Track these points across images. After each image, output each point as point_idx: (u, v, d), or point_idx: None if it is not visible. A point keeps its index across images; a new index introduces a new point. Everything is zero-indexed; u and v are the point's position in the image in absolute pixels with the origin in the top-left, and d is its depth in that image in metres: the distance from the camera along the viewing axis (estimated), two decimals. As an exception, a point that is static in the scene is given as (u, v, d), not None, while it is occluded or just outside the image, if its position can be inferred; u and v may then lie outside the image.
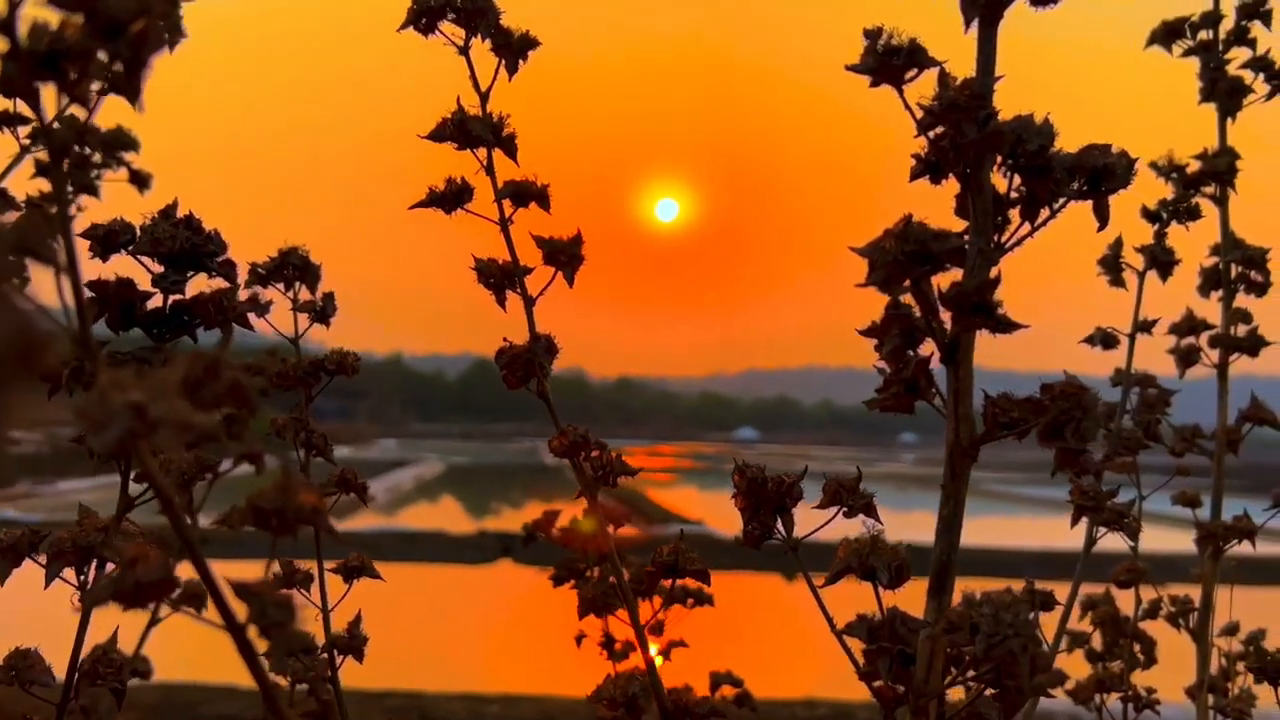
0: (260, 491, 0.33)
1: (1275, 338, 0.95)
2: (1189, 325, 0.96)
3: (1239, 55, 0.97)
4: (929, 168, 0.49)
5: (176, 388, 0.30)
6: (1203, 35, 0.96)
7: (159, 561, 0.31)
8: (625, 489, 0.57)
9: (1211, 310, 0.98)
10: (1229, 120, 0.96)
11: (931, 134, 0.48)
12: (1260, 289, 0.95)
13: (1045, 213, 0.49)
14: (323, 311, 0.77)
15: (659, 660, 1.33)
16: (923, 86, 0.49)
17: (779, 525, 0.57)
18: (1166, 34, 0.96)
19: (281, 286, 0.80)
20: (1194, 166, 0.95)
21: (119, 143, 1.06)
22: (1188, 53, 0.97)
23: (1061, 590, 1.11)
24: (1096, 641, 1.08)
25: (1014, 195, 0.48)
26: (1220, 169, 0.93)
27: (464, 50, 0.59)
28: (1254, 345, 0.94)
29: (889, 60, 0.47)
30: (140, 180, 1.09)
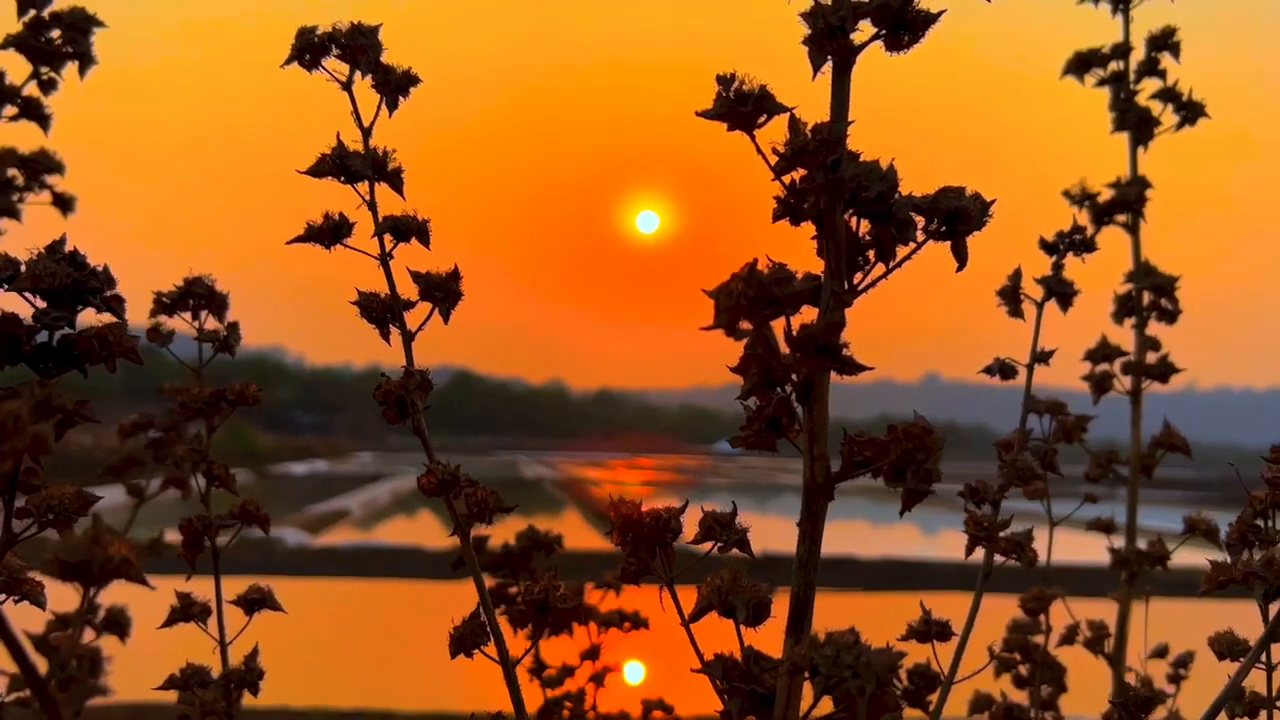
0: (65, 543, 0.33)
1: (1187, 361, 0.97)
2: (1103, 352, 0.97)
3: (1151, 86, 0.99)
4: (788, 210, 0.50)
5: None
6: (1114, 66, 0.97)
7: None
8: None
9: (1127, 336, 1.00)
10: (1140, 149, 0.97)
11: (786, 178, 0.48)
12: (1170, 317, 0.96)
13: (901, 254, 0.49)
14: (225, 341, 0.77)
15: (593, 686, 1.32)
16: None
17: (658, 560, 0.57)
18: (1079, 64, 0.97)
19: (188, 316, 0.80)
20: (1106, 195, 0.96)
21: (42, 165, 1.06)
22: (1101, 83, 0.99)
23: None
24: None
25: (867, 239, 0.49)
26: (1131, 198, 0.94)
27: (346, 86, 0.60)
28: (1164, 372, 0.95)
29: (738, 107, 0.47)
30: (64, 203, 1.09)
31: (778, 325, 0.48)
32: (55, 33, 0.84)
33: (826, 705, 0.48)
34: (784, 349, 0.47)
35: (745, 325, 0.46)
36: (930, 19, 0.48)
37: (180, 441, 1.18)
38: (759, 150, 0.48)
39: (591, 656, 1.31)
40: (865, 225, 0.49)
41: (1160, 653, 1.14)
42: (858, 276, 0.49)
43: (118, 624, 1.14)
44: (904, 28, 0.48)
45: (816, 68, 0.48)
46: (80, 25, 0.84)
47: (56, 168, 1.07)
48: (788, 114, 0.47)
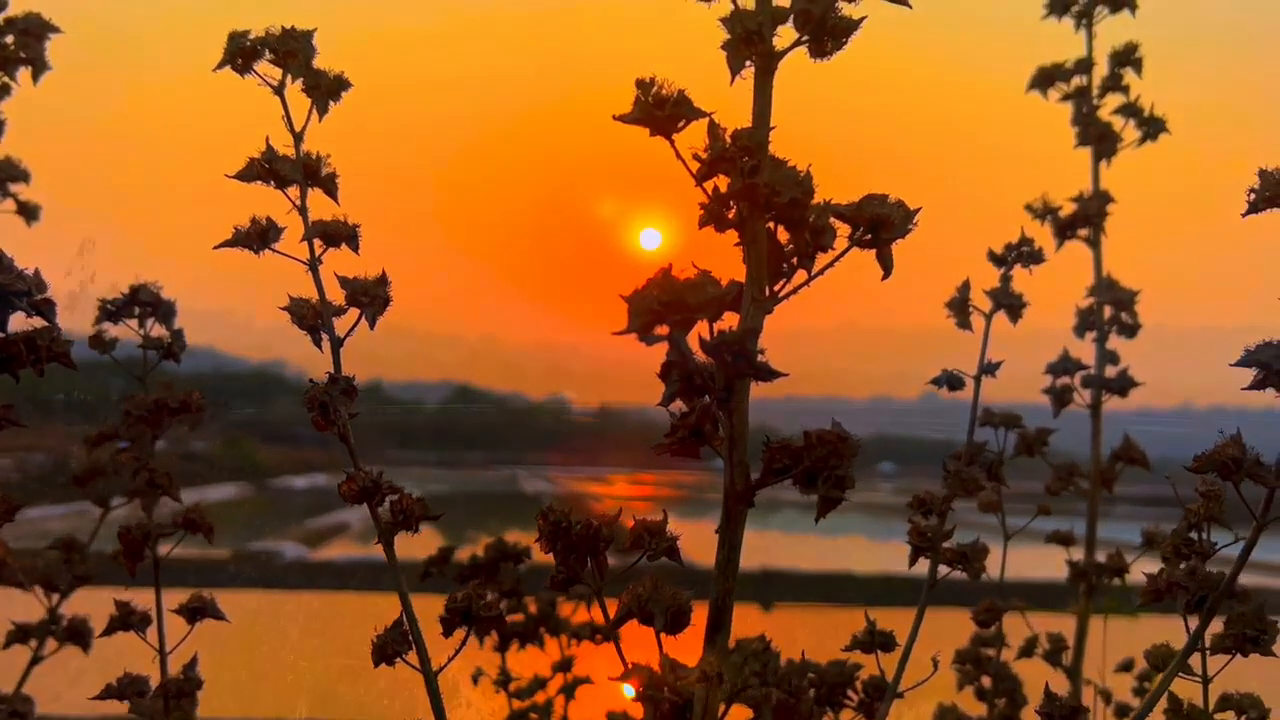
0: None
1: (1148, 375, 0.96)
2: (1064, 365, 0.96)
3: (1115, 101, 0.99)
4: (713, 217, 0.49)
5: None
6: (1076, 81, 0.97)
7: None
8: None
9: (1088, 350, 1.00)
10: (1103, 164, 0.97)
11: (709, 185, 0.48)
12: (1130, 331, 0.96)
13: (822, 261, 0.49)
14: (170, 348, 0.77)
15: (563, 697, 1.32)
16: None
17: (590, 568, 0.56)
18: (1042, 79, 0.97)
19: (135, 323, 0.80)
20: (1068, 209, 0.96)
21: (6, 173, 1.06)
22: (1064, 97, 0.99)
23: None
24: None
25: (790, 246, 0.49)
26: (1092, 212, 0.94)
27: (279, 90, 0.59)
28: (1124, 386, 0.95)
29: (656, 111, 0.47)
30: (28, 212, 1.09)
31: (701, 332, 0.48)
32: (9, 38, 0.84)
33: (745, 714, 0.48)
34: (702, 356, 0.47)
35: (662, 331, 0.46)
36: (852, 25, 0.48)
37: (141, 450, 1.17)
38: (679, 156, 0.48)
39: (563, 669, 1.30)
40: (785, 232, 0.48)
41: (1125, 667, 1.14)
42: (780, 284, 0.49)
43: (79, 634, 1.13)
44: (826, 34, 0.48)
45: (735, 72, 0.48)
46: (35, 31, 0.84)
47: (21, 176, 1.07)
48: (706, 119, 0.47)
